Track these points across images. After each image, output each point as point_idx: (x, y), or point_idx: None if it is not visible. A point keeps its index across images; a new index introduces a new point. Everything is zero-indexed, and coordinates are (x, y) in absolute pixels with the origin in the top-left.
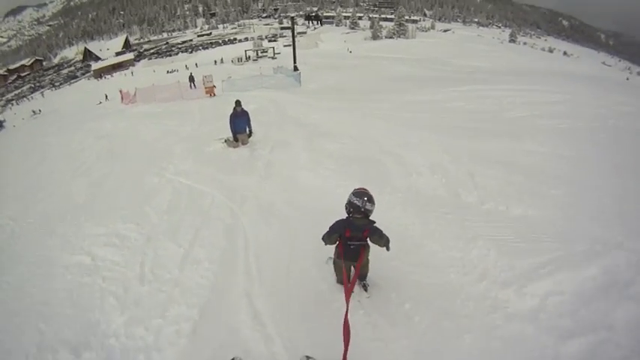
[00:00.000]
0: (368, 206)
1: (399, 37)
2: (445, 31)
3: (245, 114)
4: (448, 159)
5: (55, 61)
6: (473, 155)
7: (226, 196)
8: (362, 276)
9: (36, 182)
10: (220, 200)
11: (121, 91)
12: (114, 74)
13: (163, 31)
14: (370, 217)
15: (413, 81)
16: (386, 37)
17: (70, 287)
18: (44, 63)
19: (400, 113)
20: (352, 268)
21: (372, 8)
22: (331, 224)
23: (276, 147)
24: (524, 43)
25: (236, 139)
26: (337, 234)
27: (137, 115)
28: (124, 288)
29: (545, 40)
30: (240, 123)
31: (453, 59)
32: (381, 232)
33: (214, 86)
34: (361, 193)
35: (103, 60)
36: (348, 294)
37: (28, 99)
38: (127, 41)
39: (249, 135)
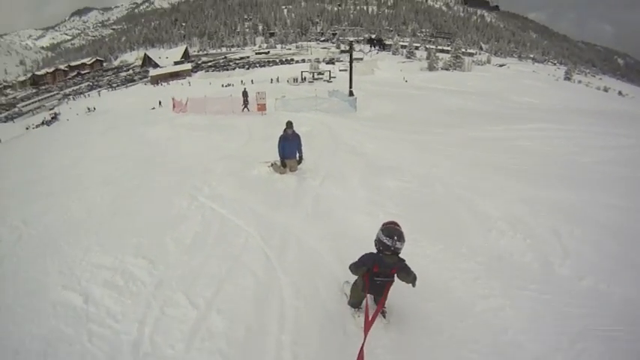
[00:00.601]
0: (398, 245)
1: (455, 69)
2: (501, 65)
3: (296, 137)
4: (526, 210)
5: (115, 63)
6: (553, 208)
7: (263, 236)
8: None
9: (66, 183)
10: (255, 241)
11: (173, 99)
12: (170, 82)
13: (222, 46)
14: (400, 255)
15: (470, 115)
16: (442, 69)
17: (48, 337)
18: (104, 64)
19: (462, 150)
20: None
21: (428, 39)
22: (362, 255)
23: (328, 178)
24: (579, 82)
25: (284, 165)
26: (366, 267)
27: (185, 125)
28: (110, 358)
29: (600, 78)
30: (290, 147)
31: (509, 94)
32: (409, 269)
33: (265, 104)
34: (391, 231)
35: (161, 67)
36: (367, 327)
37: (84, 96)
38: (186, 52)
39: (299, 161)
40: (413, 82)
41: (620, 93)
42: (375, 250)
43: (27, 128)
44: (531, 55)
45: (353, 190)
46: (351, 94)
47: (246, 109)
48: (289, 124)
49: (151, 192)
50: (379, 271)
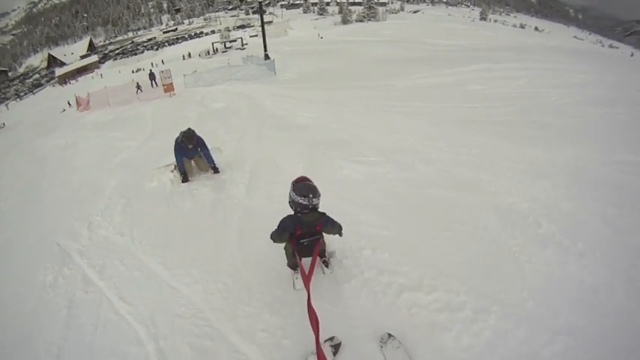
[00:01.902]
0: (315, 201)
1: (370, 20)
2: (415, 12)
3: (200, 144)
4: (547, 185)
5: (21, 70)
6: (570, 173)
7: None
8: (320, 253)
9: None
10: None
11: (76, 97)
12: (78, 79)
13: (128, 31)
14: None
15: (401, 63)
16: (356, 21)
17: None
18: (9, 74)
19: (416, 103)
20: None
21: None
22: (280, 221)
23: (257, 175)
24: (495, 21)
25: (185, 180)
26: (287, 232)
27: (85, 126)
28: None
29: (515, 16)
30: (194, 153)
31: (430, 39)
32: (333, 221)
33: (172, 83)
34: (303, 189)
35: (68, 65)
36: (307, 283)
37: None
38: (91, 43)
39: (215, 171)
40: (329, 37)
41: (536, 29)
42: (292, 212)
43: None
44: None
45: None
46: (266, 57)
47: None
48: (188, 135)
49: (11, 258)
50: (303, 232)
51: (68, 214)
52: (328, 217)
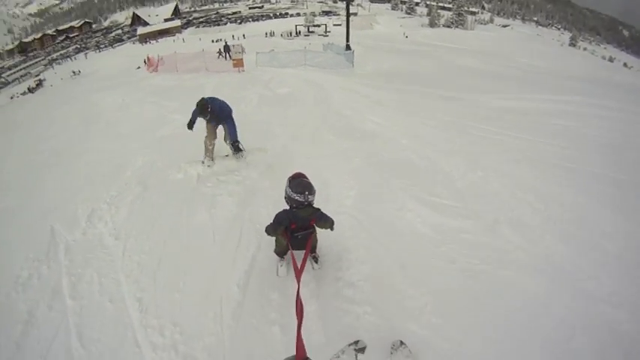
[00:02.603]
0: (310, 198)
1: (457, 27)
2: (504, 26)
3: (221, 116)
4: None
5: (105, 24)
6: None
7: None
8: (312, 248)
9: None
10: None
11: (148, 58)
12: (159, 40)
13: (215, 2)
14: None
15: (486, 77)
16: (443, 26)
17: None
18: (93, 26)
19: (501, 129)
20: None
21: None
22: (276, 215)
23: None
24: (585, 49)
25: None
26: (282, 226)
27: (145, 89)
28: None
29: (605, 48)
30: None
31: (517, 56)
32: (326, 216)
33: (242, 59)
34: (299, 186)
35: (151, 25)
36: (298, 276)
37: (71, 59)
38: (176, 8)
39: (236, 149)
40: (414, 38)
41: (625, 65)
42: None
43: (11, 97)
44: (535, 18)
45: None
46: (347, 47)
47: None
48: (201, 107)
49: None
50: (297, 227)
51: (79, 193)
52: (322, 212)
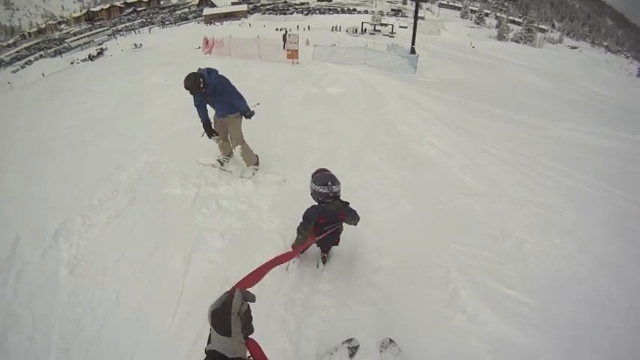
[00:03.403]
0: (335, 188)
1: (525, 42)
2: (573, 48)
3: (221, 82)
4: None
5: (173, 1)
6: None
7: None
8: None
9: None
10: None
11: (205, 39)
12: (224, 22)
13: None
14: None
15: (551, 100)
16: (512, 40)
17: None
18: (162, 2)
19: (574, 170)
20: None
21: (499, 7)
22: (305, 212)
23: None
24: None
25: (213, 133)
26: (313, 222)
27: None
28: None
29: None
30: (219, 105)
31: (583, 81)
32: (355, 212)
33: (297, 50)
34: (322, 178)
35: (217, 7)
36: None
37: (135, 32)
38: None
39: (248, 114)
40: (481, 49)
41: None
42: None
43: (72, 63)
44: (605, 43)
45: None
46: (412, 51)
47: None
48: (189, 84)
49: None
50: (326, 221)
51: (64, 192)
52: (350, 207)
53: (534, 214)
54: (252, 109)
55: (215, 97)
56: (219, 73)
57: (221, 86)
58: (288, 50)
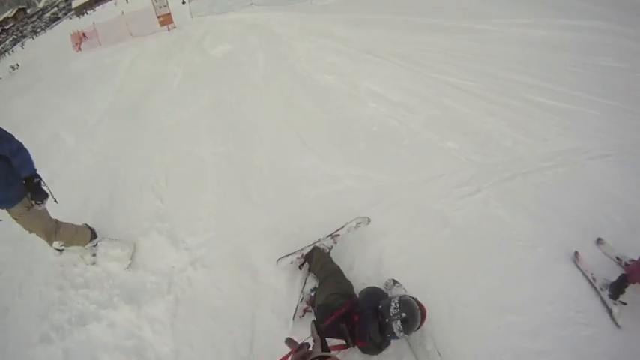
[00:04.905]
0: (401, 335)
1: None
2: None
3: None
4: None
5: (40, 5)
6: None
7: None
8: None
9: None
10: None
11: (71, 36)
12: (96, 8)
13: None
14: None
15: None
16: None
17: None
18: (28, 11)
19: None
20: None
21: None
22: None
23: None
24: None
25: None
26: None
27: (53, 84)
28: None
29: None
30: None
31: None
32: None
33: (169, 14)
34: (410, 320)
35: None
36: None
37: (9, 53)
38: None
39: (35, 193)
40: None
41: None
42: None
43: None
44: None
45: None
46: None
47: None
48: None
49: None
50: (349, 322)
51: None
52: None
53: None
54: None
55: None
56: None
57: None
58: (159, 17)
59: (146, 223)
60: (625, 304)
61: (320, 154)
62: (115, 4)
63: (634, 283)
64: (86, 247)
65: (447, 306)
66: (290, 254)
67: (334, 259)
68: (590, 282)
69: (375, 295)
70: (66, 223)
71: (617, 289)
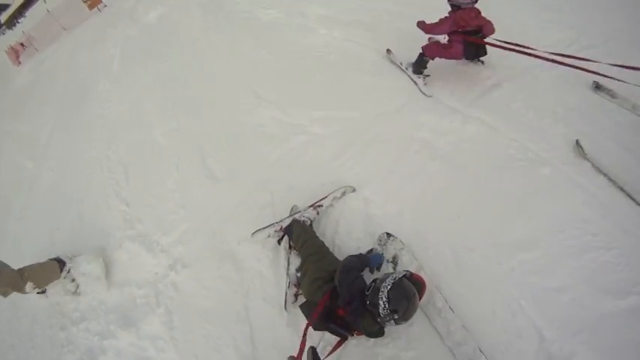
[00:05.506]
0: (394, 323)
1: None
2: None
3: None
4: None
5: None
6: None
7: None
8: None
9: None
10: None
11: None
12: (26, 14)
13: None
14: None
15: None
16: None
17: None
18: None
19: None
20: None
21: None
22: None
23: None
24: None
25: None
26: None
27: None
28: None
29: None
30: None
31: None
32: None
33: None
34: (402, 304)
35: (10, 4)
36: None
37: None
38: None
39: None
40: None
41: None
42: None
43: None
44: None
45: None
46: None
47: None
48: None
49: None
50: (338, 317)
51: None
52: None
53: None
54: None
55: None
56: None
57: None
58: (86, 2)
59: (118, 233)
60: (428, 75)
61: (275, 103)
62: (45, 1)
63: (432, 58)
64: (62, 278)
65: (452, 254)
66: (266, 227)
67: (316, 227)
68: (399, 67)
69: (355, 279)
70: (29, 266)
71: (418, 65)
